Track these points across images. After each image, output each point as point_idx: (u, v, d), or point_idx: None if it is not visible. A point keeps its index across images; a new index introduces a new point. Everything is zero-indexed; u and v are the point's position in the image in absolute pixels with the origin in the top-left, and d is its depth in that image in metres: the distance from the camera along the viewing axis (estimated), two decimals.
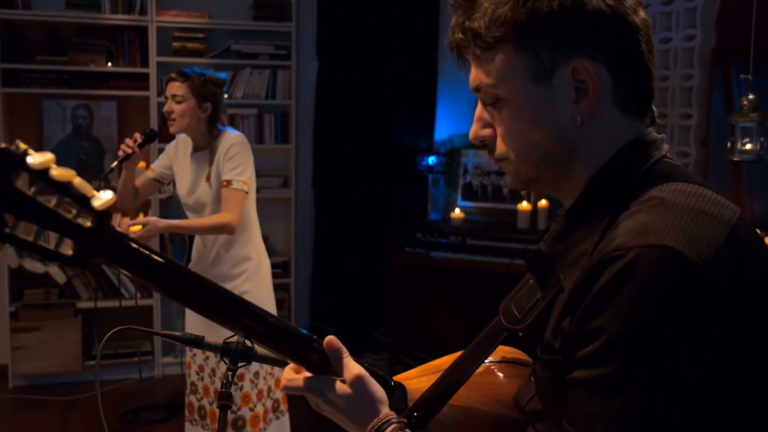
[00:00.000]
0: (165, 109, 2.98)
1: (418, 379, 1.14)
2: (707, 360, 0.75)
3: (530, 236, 4.46)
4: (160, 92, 4.72)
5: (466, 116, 5.20)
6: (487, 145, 0.97)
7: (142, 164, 3.14)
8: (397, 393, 1.05)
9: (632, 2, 0.89)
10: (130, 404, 4.25)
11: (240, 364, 1.21)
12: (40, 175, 0.68)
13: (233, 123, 4.83)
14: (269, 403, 3.08)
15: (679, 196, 0.83)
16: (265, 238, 5.00)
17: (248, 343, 1.19)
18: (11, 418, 4.22)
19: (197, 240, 3.11)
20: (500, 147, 0.94)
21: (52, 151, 3.96)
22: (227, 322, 0.90)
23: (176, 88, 2.96)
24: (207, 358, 3.03)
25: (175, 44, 4.75)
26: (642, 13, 0.90)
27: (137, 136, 2.99)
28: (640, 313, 0.75)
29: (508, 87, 0.90)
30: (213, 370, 3.01)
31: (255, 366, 3.01)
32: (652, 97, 0.93)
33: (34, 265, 0.69)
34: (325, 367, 0.97)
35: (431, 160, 5.05)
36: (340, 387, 0.96)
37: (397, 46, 5.15)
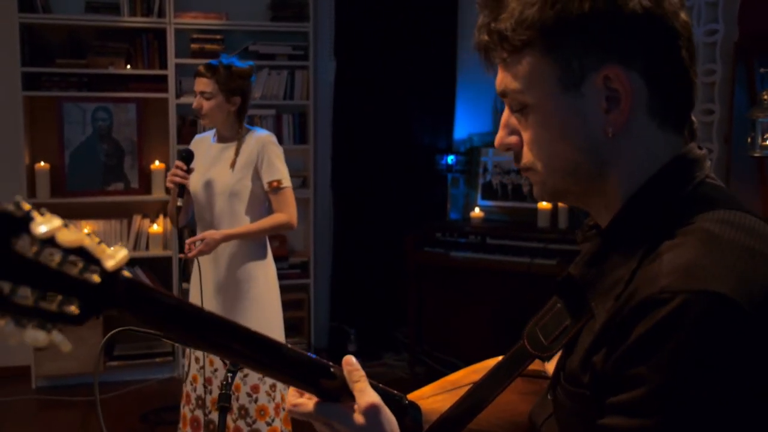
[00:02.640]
0: (194, 106, 2.97)
1: (433, 398, 1.08)
2: (757, 412, 0.70)
3: (551, 235, 4.43)
4: (179, 94, 4.74)
5: (486, 115, 5.17)
6: (513, 153, 0.91)
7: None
8: (411, 413, 1.00)
9: (673, 4, 0.82)
10: (152, 405, 4.26)
11: (240, 366, 1.20)
12: (47, 242, 0.63)
13: (251, 124, 4.83)
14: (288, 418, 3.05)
15: (727, 229, 0.77)
16: (284, 239, 5.05)
17: None
18: (34, 419, 4.26)
19: None
20: (527, 156, 0.89)
21: (72, 153, 4.00)
22: (244, 359, 0.86)
23: (204, 84, 2.94)
24: (215, 370, 2.97)
25: (194, 46, 4.77)
26: (683, 16, 0.83)
27: (180, 164, 2.90)
28: (686, 366, 0.70)
29: (535, 93, 0.84)
30: (222, 383, 2.96)
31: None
32: (691, 108, 0.86)
33: (35, 336, 0.63)
34: (339, 394, 0.90)
35: (450, 159, 5.03)
36: (354, 417, 0.88)
37: (416, 44, 5.13)
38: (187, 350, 3.10)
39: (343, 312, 5.26)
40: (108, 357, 4.66)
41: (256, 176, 2.98)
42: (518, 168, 0.92)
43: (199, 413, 3.00)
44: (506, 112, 0.91)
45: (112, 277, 0.67)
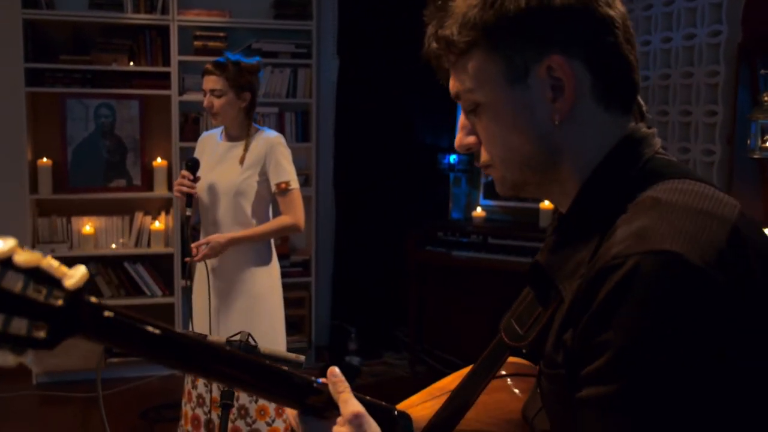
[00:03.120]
0: (205, 104, 2.96)
1: (422, 406, 1.09)
2: (716, 367, 0.71)
3: None
4: (182, 91, 4.74)
5: None
6: (473, 153, 0.95)
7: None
8: (401, 423, 0.99)
9: None
10: (152, 402, 4.26)
11: None
12: (3, 264, 0.64)
13: (255, 121, 4.83)
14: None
15: (675, 195, 0.80)
16: (286, 237, 5.04)
17: (252, 341, 1.17)
18: (34, 414, 4.26)
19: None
20: (484, 154, 0.93)
21: (75, 149, 4.00)
22: (224, 380, 0.86)
23: (213, 82, 2.94)
24: None
25: (197, 43, 4.77)
26: (619, 6, 0.87)
27: (186, 173, 2.89)
28: (644, 324, 0.72)
29: (484, 91, 0.88)
30: None
31: None
32: (635, 90, 0.90)
33: (5, 359, 0.64)
34: (324, 409, 0.90)
35: (453, 158, 5.02)
36: (335, 429, 0.89)
37: (419, 43, 5.10)
38: None
39: (344, 310, 5.26)
40: (108, 354, 4.66)
41: (263, 177, 2.97)
42: (479, 166, 0.95)
43: (199, 412, 3.00)
44: (462, 115, 0.94)
45: (75, 299, 0.67)
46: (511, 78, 0.86)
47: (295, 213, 2.97)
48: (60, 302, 0.67)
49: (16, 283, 0.65)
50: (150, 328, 0.76)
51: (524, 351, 0.97)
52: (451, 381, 1.12)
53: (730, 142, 3.52)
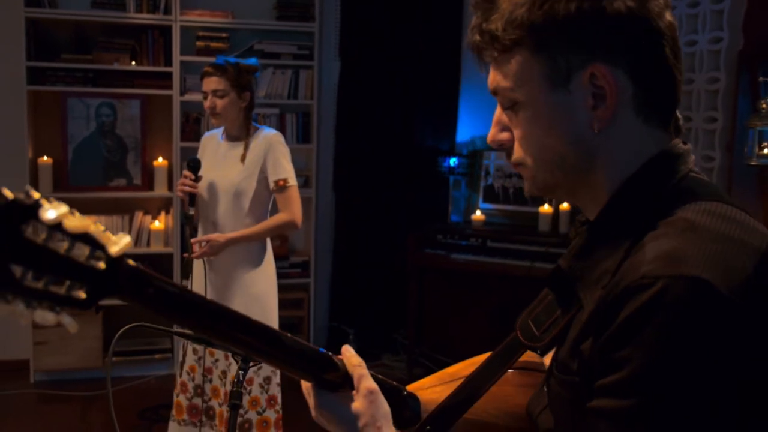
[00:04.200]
0: (207, 105, 2.98)
1: (432, 389, 1.12)
2: (732, 393, 0.73)
3: (551, 239, 4.43)
4: (183, 91, 4.75)
5: (488, 118, 5.08)
6: (505, 149, 0.95)
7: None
8: (409, 403, 1.03)
9: (658, 5, 0.85)
10: (151, 401, 4.27)
11: (251, 364, 1.21)
12: (55, 227, 0.66)
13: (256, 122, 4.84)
14: (282, 414, 3.06)
15: (708, 218, 0.80)
16: (285, 238, 5.05)
17: None
18: (33, 413, 4.26)
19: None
20: (517, 151, 0.92)
21: (76, 148, 4.01)
22: (246, 347, 0.89)
23: (215, 83, 2.96)
24: (216, 360, 3.01)
25: (199, 43, 4.78)
26: (668, 17, 0.86)
27: (188, 173, 2.94)
28: (666, 346, 0.73)
29: (525, 91, 0.88)
30: (224, 372, 2.99)
31: (266, 371, 3.00)
32: (676, 105, 0.90)
33: (45, 317, 0.66)
34: (339, 385, 0.94)
35: (453, 161, 5.03)
36: (347, 401, 0.93)
37: (420, 47, 5.14)
38: (184, 341, 3.12)
39: (342, 312, 5.26)
40: (106, 352, 4.66)
41: (262, 175, 3.00)
42: (510, 163, 0.95)
43: (197, 401, 3.04)
44: (498, 110, 0.94)
45: (116, 263, 0.69)
46: (553, 81, 0.86)
47: (292, 210, 2.99)
48: (101, 264, 0.69)
49: (62, 245, 0.67)
50: (184, 294, 0.80)
51: (538, 352, 0.98)
52: (463, 368, 1.14)
53: (730, 149, 3.53)
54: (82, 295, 0.68)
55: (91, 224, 0.68)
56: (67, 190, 4.66)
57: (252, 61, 3.08)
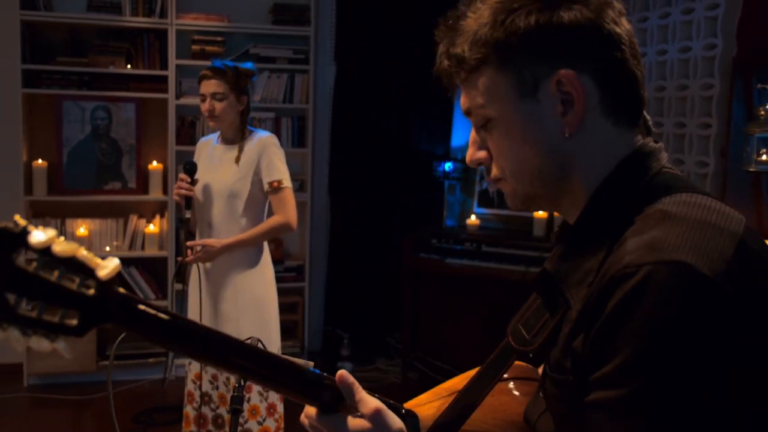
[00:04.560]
0: (206, 108, 2.97)
1: (429, 405, 1.12)
2: (724, 376, 0.74)
3: (546, 244, 4.44)
4: (179, 95, 4.75)
5: None
6: (484, 167, 0.97)
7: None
8: (408, 421, 1.01)
9: (613, 13, 0.89)
10: (144, 405, 4.26)
11: None
12: (43, 252, 0.67)
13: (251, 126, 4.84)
14: (283, 423, 3.04)
15: (684, 208, 0.82)
16: (280, 242, 5.05)
17: (261, 345, 1.19)
18: (25, 417, 4.25)
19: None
20: (495, 168, 0.95)
21: (71, 151, 4.00)
22: (242, 372, 0.88)
23: (215, 85, 2.96)
24: None
25: (194, 47, 4.78)
26: (625, 23, 0.90)
27: (184, 176, 2.94)
28: (655, 332, 0.74)
29: (495, 106, 0.90)
30: (228, 379, 2.97)
31: None
32: (641, 105, 0.92)
33: (40, 344, 0.67)
34: (338, 404, 0.92)
35: (447, 166, 5.04)
36: (356, 423, 0.91)
37: (415, 51, 5.15)
38: None
39: (337, 316, 5.26)
40: (101, 356, 4.65)
41: (257, 177, 3.00)
42: (490, 181, 0.97)
43: (205, 410, 3.03)
44: (473, 131, 0.97)
45: (106, 289, 0.70)
46: (521, 93, 0.89)
47: (286, 212, 2.99)
48: (92, 291, 0.69)
49: (53, 272, 0.67)
50: (176, 321, 0.79)
51: (530, 356, 0.99)
52: (459, 382, 1.14)
53: (724, 155, 3.54)
54: (74, 323, 0.68)
55: (79, 248, 0.69)
56: (61, 193, 4.65)
57: (248, 65, 3.08)
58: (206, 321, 2.94)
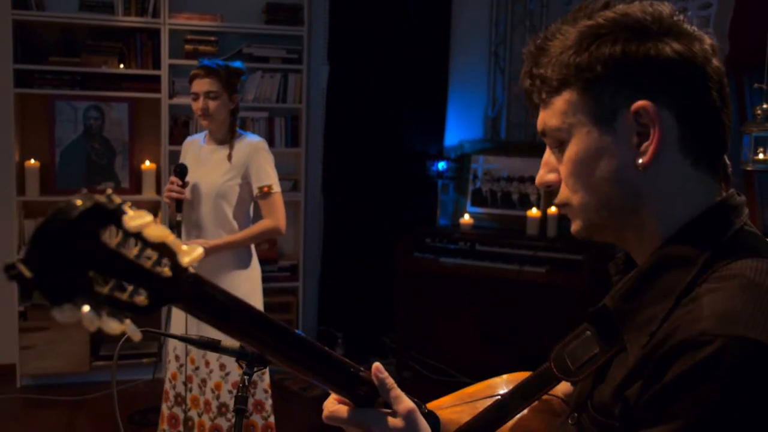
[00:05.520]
0: (200, 106, 2.96)
1: (452, 409, 1.11)
2: None
3: (540, 243, 4.45)
4: (172, 94, 4.74)
5: (477, 122, 5.19)
6: (552, 190, 0.96)
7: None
8: (430, 421, 1.01)
9: (705, 50, 0.87)
10: (138, 405, 4.25)
11: (256, 369, 1.21)
12: (135, 235, 0.66)
13: (244, 126, 4.84)
14: (273, 421, 3.05)
15: (766, 278, 0.80)
16: (274, 242, 5.05)
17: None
18: (18, 418, 4.23)
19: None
20: (563, 192, 0.94)
21: (63, 151, 3.98)
22: (292, 361, 0.89)
23: (208, 84, 2.95)
24: (196, 368, 2.98)
25: (188, 47, 4.77)
26: (716, 62, 0.88)
27: (175, 179, 2.94)
28: (719, 407, 0.73)
29: (571, 130, 0.90)
30: (204, 381, 2.97)
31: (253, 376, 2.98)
32: (724, 150, 0.90)
33: (111, 326, 0.65)
34: (372, 399, 0.93)
35: (441, 165, 5.04)
36: (391, 421, 0.92)
37: (409, 51, 5.15)
38: (169, 347, 3.10)
39: (331, 315, 5.26)
40: (94, 356, 4.64)
41: (245, 180, 3.00)
42: (555, 205, 0.96)
43: (177, 410, 3.01)
44: (547, 152, 0.96)
45: (181, 271, 0.69)
46: (598, 119, 0.88)
47: (276, 216, 3.00)
48: (167, 271, 0.68)
49: (132, 250, 0.66)
50: (241, 308, 0.80)
51: (573, 385, 0.98)
52: (481, 389, 1.14)
53: None
54: (144, 301, 0.67)
55: (170, 234, 0.68)
56: (54, 193, 4.64)
57: (238, 63, 3.08)
58: (191, 320, 2.94)
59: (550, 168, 0.95)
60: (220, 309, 0.78)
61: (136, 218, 0.65)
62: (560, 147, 0.92)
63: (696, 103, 0.86)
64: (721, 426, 0.73)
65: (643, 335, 0.84)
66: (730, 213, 0.88)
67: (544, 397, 1.12)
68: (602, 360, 0.91)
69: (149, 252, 0.67)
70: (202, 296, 0.75)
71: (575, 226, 0.95)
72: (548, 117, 0.92)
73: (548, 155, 0.96)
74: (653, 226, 0.89)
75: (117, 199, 0.66)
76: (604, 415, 0.87)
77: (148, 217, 0.66)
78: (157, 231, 0.67)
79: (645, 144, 0.86)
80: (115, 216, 0.65)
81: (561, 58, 0.89)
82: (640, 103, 0.85)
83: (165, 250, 0.67)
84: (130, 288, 0.66)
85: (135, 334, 0.68)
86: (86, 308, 0.64)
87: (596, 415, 0.89)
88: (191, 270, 0.71)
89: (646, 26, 0.86)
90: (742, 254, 0.83)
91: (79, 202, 0.62)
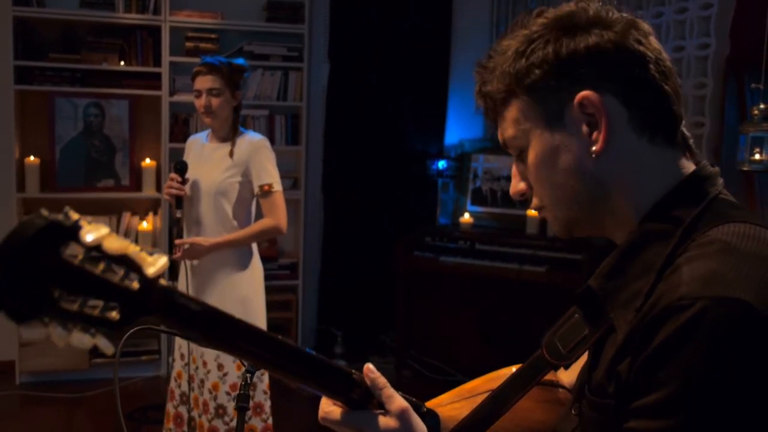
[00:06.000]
0: (203, 103, 2.96)
1: (451, 406, 1.12)
2: (765, 419, 0.73)
3: (539, 242, 4.45)
4: (172, 92, 4.74)
5: (477, 121, 5.19)
6: (526, 198, 0.99)
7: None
8: (429, 420, 1.02)
9: (637, 33, 0.90)
10: (138, 403, 4.24)
11: (258, 368, 1.20)
12: (94, 248, 0.66)
13: (244, 124, 4.82)
14: (272, 423, 3.04)
15: (743, 240, 0.80)
16: (274, 240, 5.04)
17: None
18: (17, 415, 4.23)
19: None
20: (535, 197, 0.97)
21: (63, 148, 3.98)
22: (276, 367, 0.89)
23: (211, 81, 2.95)
24: (196, 368, 2.98)
25: (188, 44, 4.77)
26: (652, 42, 0.91)
27: (175, 176, 2.94)
28: (707, 367, 0.74)
29: (526, 136, 0.93)
30: (202, 381, 2.97)
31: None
32: (675, 120, 0.92)
33: (82, 340, 0.66)
34: (365, 402, 0.94)
35: (441, 164, 5.04)
36: (384, 421, 0.92)
37: (409, 50, 5.15)
38: (174, 347, 3.10)
39: (330, 314, 5.26)
40: (93, 354, 4.64)
41: (246, 178, 2.99)
42: (534, 210, 0.99)
43: (182, 410, 3.01)
44: (514, 164, 0.99)
45: (150, 284, 0.69)
46: (548, 120, 0.91)
47: (277, 215, 2.99)
48: (135, 285, 0.68)
49: (98, 266, 0.66)
50: (216, 316, 0.80)
51: (565, 369, 0.99)
52: (481, 384, 1.14)
53: (717, 154, 3.55)
54: (115, 316, 0.67)
55: (130, 245, 0.68)
56: (54, 190, 4.63)
57: (240, 61, 3.08)
58: None
59: (519, 178, 0.99)
60: (195, 320, 0.77)
61: (92, 231, 0.65)
62: (521, 155, 0.96)
63: (637, 83, 0.89)
64: (710, 388, 0.73)
65: (629, 311, 0.84)
66: (703, 183, 0.90)
67: (548, 386, 1.13)
68: (592, 340, 0.92)
69: (115, 266, 0.67)
70: (174, 307, 0.74)
71: (554, 227, 0.98)
72: (504, 129, 0.96)
73: (515, 166, 0.99)
74: (625, 209, 0.91)
75: (74, 216, 0.66)
76: (600, 396, 0.87)
77: (104, 230, 0.66)
78: (115, 243, 0.67)
79: (595, 133, 0.89)
80: (71, 232, 0.65)
81: (502, 70, 0.93)
82: (582, 93, 0.88)
83: (127, 262, 0.68)
84: (101, 304, 0.66)
85: (107, 348, 0.68)
86: (52, 325, 0.64)
87: (593, 398, 0.89)
88: (162, 282, 0.71)
89: (574, 22, 0.90)
90: (719, 221, 0.84)
91: (35, 221, 0.63)
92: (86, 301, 0.66)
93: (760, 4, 3.21)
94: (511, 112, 0.94)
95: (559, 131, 0.91)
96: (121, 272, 0.67)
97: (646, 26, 0.92)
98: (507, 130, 0.95)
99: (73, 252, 0.65)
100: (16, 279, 0.62)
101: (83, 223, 0.66)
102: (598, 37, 0.88)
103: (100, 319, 0.67)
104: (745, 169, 3.11)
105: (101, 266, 0.66)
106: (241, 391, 1.25)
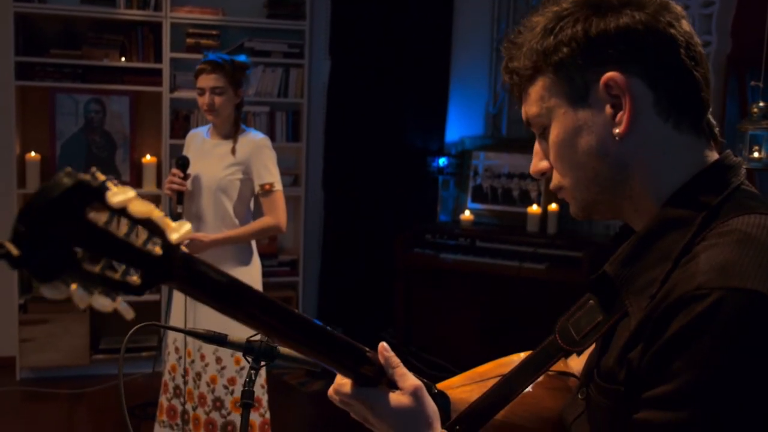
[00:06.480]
0: (206, 102, 2.96)
1: (462, 389, 1.12)
2: None
3: (540, 240, 4.45)
4: (173, 88, 4.73)
5: (478, 118, 5.19)
6: (546, 177, 0.98)
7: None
8: (439, 401, 1.02)
9: (669, 15, 0.88)
10: (138, 399, 4.25)
11: (263, 363, 1.21)
12: (119, 211, 0.65)
13: (245, 120, 4.83)
14: (269, 418, 3.05)
15: (762, 232, 0.79)
16: (274, 236, 5.04)
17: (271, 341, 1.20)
18: (18, 410, 4.24)
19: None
20: (555, 177, 0.96)
21: (64, 144, 3.97)
22: (290, 339, 0.88)
23: (214, 79, 2.95)
24: (192, 361, 2.99)
25: (189, 40, 4.76)
26: (684, 25, 0.89)
27: (177, 171, 2.95)
28: (721, 359, 0.73)
29: (550, 114, 0.92)
30: (198, 374, 2.98)
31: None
32: (702, 107, 0.90)
33: (103, 303, 0.65)
34: (377, 380, 0.94)
35: (442, 161, 5.04)
36: (396, 398, 0.93)
37: (410, 46, 5.15)
38: (169, 340, 3.10)
39: (330, 311, 5.26)
40: (93, 350, 4.65)
41: (246, 176, 3.00)
42: (553, 191, 0.98)
43: (175, 402, 3.02)
44: (537, 142, 0.98)
45: (173, 250, 0.68)
46: (573, 99, 0.90)
47: (277, 214, 3.01)
48: (158, 250, 0.67)
49: (121, 228, 0.66)
50: (234, 286, 0.79)
51: (578, 356, 0.99)
52: (492, 368, 1.14)
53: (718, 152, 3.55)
54: (137, 280, 0.67)
55: (155, 210, 0.67)
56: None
57: (242, 58, 3.08)
58: (190, 313, 2.95)
59: (540, 156, 0.98)
60: (214, 287, 0.77)
61: (119, 194, 0.64)
62: (543, 133, 0.95)
63: (665, 67, 0.87)
64: (723, 381, 0.72)
65: (644, 298, 0.84)
66: (726, 172, 0.89)
67: (559, 375, 1.13)
68: (606, 327, 0.91)
69: (139, 230, 0.66)
70: (194, 274, 0.74)
71: (572, 208, 0.97)
72: (528, 106, 0.95)
73: (538, 144, 0.98)
74: (645, 194, 0.90)
75: (101, 177, 0.65)
76: (610, 381, 0.87)
77: (131, 193, 0.66)
78: (141, 206, 0.66)
79: (620, 114, 0.87)
80: (98, 193, 0.64)
81: (530, 47, 0.92)
82: (608, 74, 0.87)
83: (151, 227, 0.67)
84: (122, 267, 0.66)
85: (127, 312, 0.67)
86: (74, 286, 0.64)
87: (602, 383, 0.89)
88: (184, 249, 0.71)
89: (606, 1, 0.88)
90: (740, 212, 0.83)
91: (62, 181, 0.62)
92: (109, 264, 0.66)
93: (761, 2, 3.21)
94: (536, 89, 0.93)
95: (583, 111, 0.90)
96: (144, 236, 0.67)
97: (678, 9, 0.90)
98: (531, 107, 0.94)
99: (98, 213, 0.65)
100: (41, 238, 0.61)
101: (110, 184, 0.65)
102: (629, 18, 0.87)
103: (122, 282, 0.66)
104: (745, 166, 3.11)
105: (125, 229, 0.66)
106: (246, 388, 1.25)
